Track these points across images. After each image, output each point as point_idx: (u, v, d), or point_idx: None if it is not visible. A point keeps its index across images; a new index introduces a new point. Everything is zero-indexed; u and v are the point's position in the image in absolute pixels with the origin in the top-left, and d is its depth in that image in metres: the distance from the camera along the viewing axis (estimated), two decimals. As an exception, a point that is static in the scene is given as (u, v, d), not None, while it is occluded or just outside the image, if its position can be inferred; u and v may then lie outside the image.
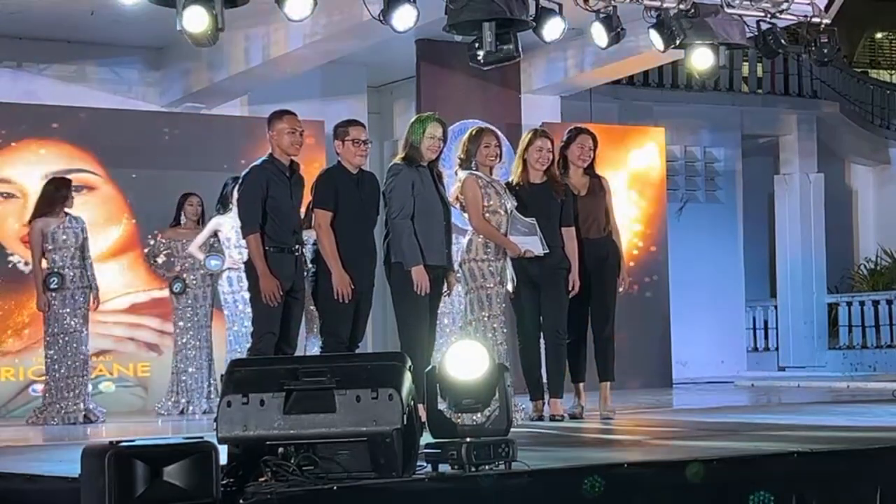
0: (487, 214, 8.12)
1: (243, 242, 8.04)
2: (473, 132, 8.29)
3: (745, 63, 18.45)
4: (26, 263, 10.69)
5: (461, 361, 4.83)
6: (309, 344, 9.60)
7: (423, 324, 7.72)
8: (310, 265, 7.87)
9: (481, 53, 9.63)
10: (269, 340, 7.71)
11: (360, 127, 7.95)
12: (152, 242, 11.13)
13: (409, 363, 4.70)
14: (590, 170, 8.82)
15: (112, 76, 12.63)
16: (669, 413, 9.73)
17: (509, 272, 8.26)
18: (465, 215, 8.26)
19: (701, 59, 10.47)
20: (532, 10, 9.65)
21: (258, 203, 7.71)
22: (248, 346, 8.16)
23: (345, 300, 7.64)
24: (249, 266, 7.79)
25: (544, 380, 8.52)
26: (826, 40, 10.82)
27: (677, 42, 10.30)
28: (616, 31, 10.15)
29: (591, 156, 8.78)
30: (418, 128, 7.83)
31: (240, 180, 7.99)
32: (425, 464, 4.71)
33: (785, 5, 10.69)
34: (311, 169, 9.87)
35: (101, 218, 11.49)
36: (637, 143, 14.05)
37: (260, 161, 7.88)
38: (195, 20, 8.62)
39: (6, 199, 11.42)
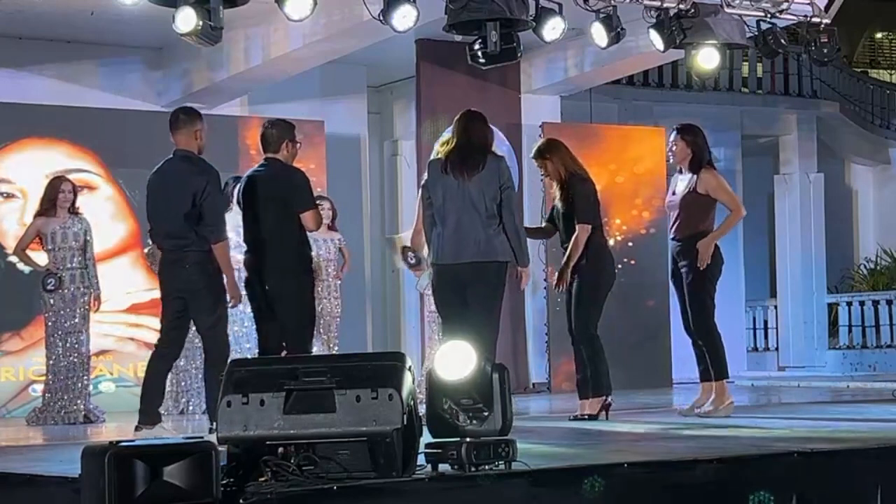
0: None
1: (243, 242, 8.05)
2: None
3: (745, 63, 18.45)
4: (25, 264, 10.67)
5: (448, 362, 4.82)
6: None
7: None
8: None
9: (481, 53, 9.64)
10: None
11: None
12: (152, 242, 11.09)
13: (409, 363, 4.70)
14: (694, 167, 8.59)
15: (112, 76, 12.62)
16: (669, 413, 9.71)
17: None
18: None
19: (707, 59, 10.47)
20: (532, 10, 9.67)
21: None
22: (249, 346, 8.18)
23: None
24: (212, 270, 7.89)
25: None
26: (826, 40, 10.82)
27: (677, 42, 10.31)
28: (616, 31, 10.15)
29: (675, 152, 8.61)
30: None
31: (207, 182, 7.92)
32: (425, 464, 4.71)
33: (785, 5, 10.69)
34: (310, 171, 9.90)
35: (101, 218, 11.46)
36: (637, 143, 14.05)
37: (204, 163, 7.97)
38: (186, 19, 8.66)
39: (6, 199, 11.41)
